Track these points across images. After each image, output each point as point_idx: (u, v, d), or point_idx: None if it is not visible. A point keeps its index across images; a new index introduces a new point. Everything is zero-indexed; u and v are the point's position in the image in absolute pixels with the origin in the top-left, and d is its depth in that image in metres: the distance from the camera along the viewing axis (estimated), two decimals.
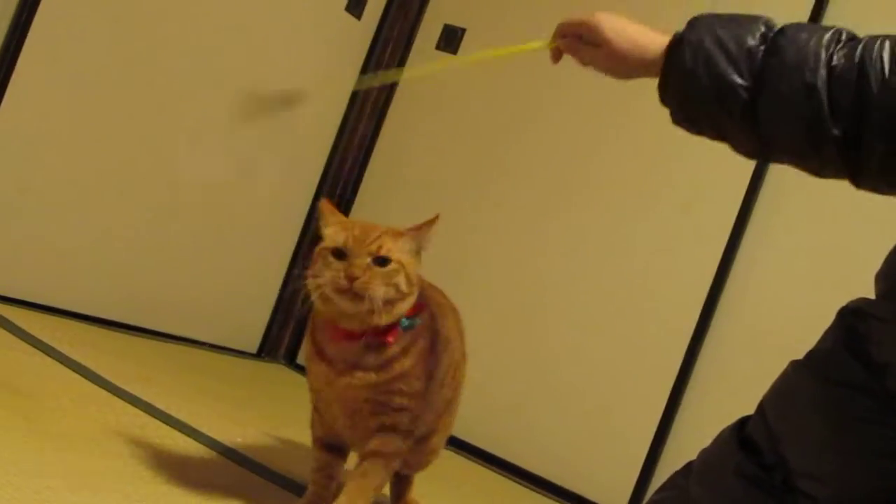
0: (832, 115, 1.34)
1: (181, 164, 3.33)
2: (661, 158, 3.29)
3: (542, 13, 3.55)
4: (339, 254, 1.83)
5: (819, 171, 1.42)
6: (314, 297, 1.86)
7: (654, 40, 1.51)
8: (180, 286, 3.46)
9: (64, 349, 2.58)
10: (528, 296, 3.42)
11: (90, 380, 2.42)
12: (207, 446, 2.23)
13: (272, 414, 2.94)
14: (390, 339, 1.88)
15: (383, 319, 1.85)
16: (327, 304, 1.85)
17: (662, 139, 3.27)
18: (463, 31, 3.75)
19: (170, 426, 2.28)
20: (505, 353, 3.37)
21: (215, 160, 3.43)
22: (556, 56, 1.73)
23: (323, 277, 1.82)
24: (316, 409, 2.02)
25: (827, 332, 1.47)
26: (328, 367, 1.90)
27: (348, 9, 3.69)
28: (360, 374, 1.88)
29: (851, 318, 1.44)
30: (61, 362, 2.49)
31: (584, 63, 1.67)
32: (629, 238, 3.30)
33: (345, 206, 3.84)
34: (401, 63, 3.86)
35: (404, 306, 1.89)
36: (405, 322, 1.91)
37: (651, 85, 3.06)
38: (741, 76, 1.39)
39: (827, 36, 1.36)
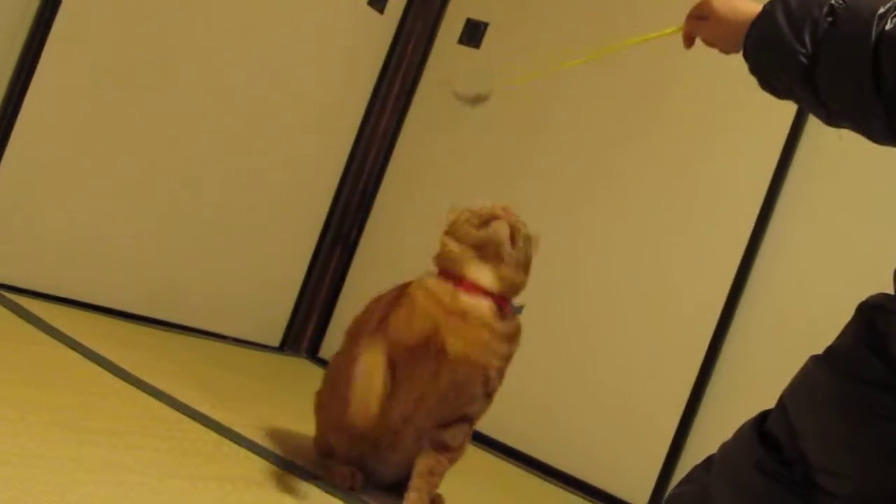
0: (876, 81, 1.36)
1: (203, 158, 3.35)
2: (685, 154, 3.28)
3: (564, 6, 3.58)
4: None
5: (872, 136, 1.45)
6: (451, 244, 2.10)
7: (750, 9, 1.58)
8: (203, 280, 3.48)
9: (87, 342, 2.60)
10: (552, 292, 3.41)
11: (113, 373, 2.43)
12: (230, 439, 2.24)
13: (293, 407, 2.94)
14: (507, 307, 2.08)
15: (519, 274, 2.11)
16: (464, 249, 2.09)
17: (686, 136, 3.28)
18: (486, 25, 3.75)
19: (193, 419, 2.29)
20: (528, 350, 3.35)
21: (238, 154, 3.44)
22: (687, 40, 1.79)
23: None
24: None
25: (846, 328, 1.47)
26: (460, 320, 2.02)
27: (370, 3, 3.69)
28: (489, 335, 2.04)
29: (870, 313, 1.44)
30: (84, 355, 2.50)
31: (703, 39, 1.74)
32: (653, 234, 3.28)
33: (367, 200, 3.85)
34: (423, 57, 3.86)
35: (525, 281, 2.13)
36: (516, 307, 2.12)
37: (674, 83, 3.07)
38: (802, 44, 1.44)
39: (885, 6, 1.38)
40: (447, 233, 2.13)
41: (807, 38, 1.44)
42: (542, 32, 3.62)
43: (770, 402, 1.53)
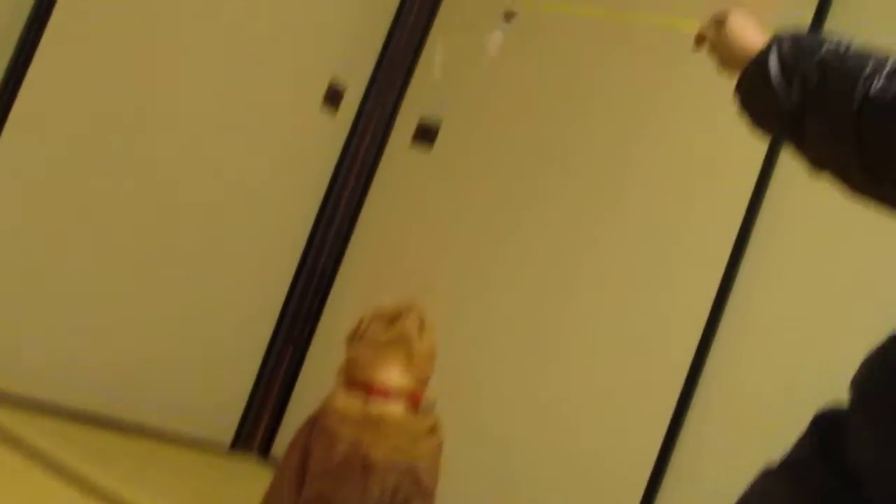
0: (858, 142, 1.35)
1: (156, 254, 3.35)
2: (647, 230, 3.33)
3: (516, 107, 3.64)
4: None
5: (852, 189, 1.43)
6: (359, 350, 2.21)
7: (757, 42, 1.55)
8: (154, 378, 3.44)
9: (33, 442, 2.55)
10: (519, 350, 3.44)
11: (61, 476, 2.39)
12: None
13: None
14: (420, 403, 2.17)
15: (428, 366, 2.21)
16: (373, 352, 2.15)
17: (645, 225, 3.33)
18: (438, 125, 3.79)
19: None
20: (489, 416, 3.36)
21: (191, 251, 3.46)
22: (698, 41, 1.75)
23: None
24: None
25: (801, 439, 1.46)
26: (377, 429, 2.09)
27: (324, 104, 3.73)
28: (408, 438, 2.11)
29: (825, 424, 1.43)
30: (30, 456, 2.45)
31: (711, 46, 1.70)
32: (610, 315, 3.32)
33: (320, 300, 3.86)
34: (377, 157, 3.90)
35: (432, 373, 2.24)
36: (429, 402, 2.20)
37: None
38: (792, 94, 1.44)
39: (873, 64, 1.38)
40: (352, 339, 2.19)
41: (796, 89, 1.43)
42: (495, 132, 3.67)
43: (732, 481, 1.52)
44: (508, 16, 2.28)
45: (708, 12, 1.74)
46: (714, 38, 1.68)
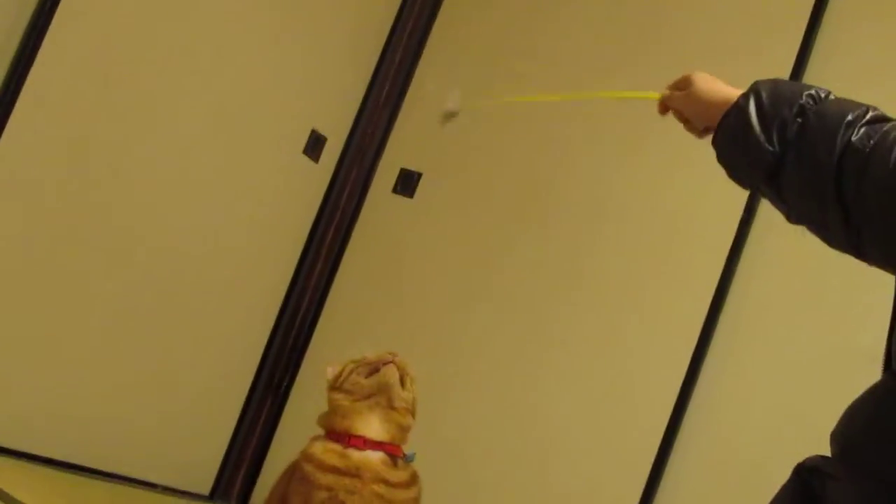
0: (838, 193, 1.34)
1: (134, 303, 3.34)
2: (624, 284, 3.36)
3: (495, 159, 3.68)
4: None
5: (830, 242, 1.42)
6: (339, 398, 2.20)
7: (729, 94, 1.54)
8: (132, 427, 3.42)
9: (8, 490, 2.53)
10: (500, 398, 3.45)
11: None
12: None
13: None
14: (399, 454, 2.16)
15: (407, 418, 2.20)
16: (353, 401, 2.18)
17: (624, 268, 3.35)
18: (419, 175, 3.82)
19: None
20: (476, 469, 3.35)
21: (169, 299, 3.45)
22: (662, 108, 1.77)
23: None
24: None
25: (783, 490, 1.46)
26: (355, 478, 2.07)
27: (306, 152, 3.75)
28: (385, 488, 2.08)
29: (807, 475, 1.42)
30: None
31: (675, 112, 1.72)
32: (596, 356, 3.34)
33: (299, 350, 3.86)
34: (357, 206, 3.91)
35: (412, 424, 2.22)
36: (408, 454, 2.19)
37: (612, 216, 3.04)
38: (770, 143, 1.41)
39: (854, 113, 1.36)
40: (333, 388, 2.20)
41: (775, 138, 1.41)
42: (474, 183, 3.70)
43: None
44: (448, 115, 2.32)
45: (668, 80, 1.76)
46: (680, 101, 1.69)
